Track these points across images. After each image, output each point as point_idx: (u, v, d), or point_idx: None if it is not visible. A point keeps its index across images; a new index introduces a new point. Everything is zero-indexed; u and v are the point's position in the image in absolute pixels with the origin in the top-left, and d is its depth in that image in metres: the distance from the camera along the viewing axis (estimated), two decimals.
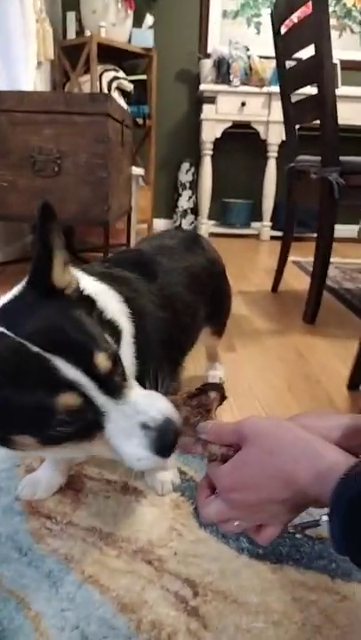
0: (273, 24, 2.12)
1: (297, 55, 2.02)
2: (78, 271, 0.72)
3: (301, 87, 2.05)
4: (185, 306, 1.01)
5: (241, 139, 4.14)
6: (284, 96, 2.22)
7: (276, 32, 2.12)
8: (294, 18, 2.01)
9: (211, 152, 3.99)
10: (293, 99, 2.16)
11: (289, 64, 2.11)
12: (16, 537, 0.82)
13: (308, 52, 1.82)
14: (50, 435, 0.55)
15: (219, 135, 3.95)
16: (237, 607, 0.71)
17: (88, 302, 0.67)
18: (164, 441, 0.56)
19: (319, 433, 0.55)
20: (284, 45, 2.09)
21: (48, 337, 0.55)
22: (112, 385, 0.57)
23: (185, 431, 0.60)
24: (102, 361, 0.57)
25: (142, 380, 0.71)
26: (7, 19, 2.46)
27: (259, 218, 4.19)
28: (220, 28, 4.12)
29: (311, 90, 1.86)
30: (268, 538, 0.58)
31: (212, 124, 3.93)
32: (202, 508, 0.61)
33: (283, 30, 2.07)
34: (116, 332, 0.72)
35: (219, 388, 0.65)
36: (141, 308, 0.82)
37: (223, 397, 0.65)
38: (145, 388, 0.69)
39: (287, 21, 2.04)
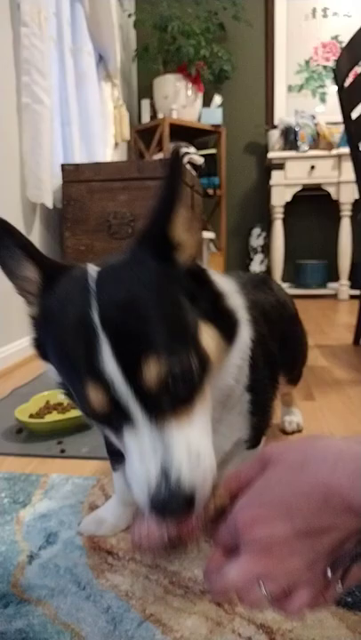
0: (336, 81, 2.17)
1: None
2: None
3: None
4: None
5: (312, 201, 4.17)
6: (354, 148, 2.21)
7: (340, 87, 2.16)
8: (358, 68, 2.05)
9: (282, 216, 4.03)
10: None
11: (355, 115, 2.12)
12: (75, 570, 0.76)
13: None
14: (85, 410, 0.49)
15: (289, 199, 3.99)
16: None
17: (200, 278, 0.55)
18: (166, 503, 0.44)
19: None
20: (348, 97, 2.12)
21: (114, 307, 0.47)
22: (157, 403, 0.46)
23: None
24: (153, 371, 0.45)
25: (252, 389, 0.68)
26: (87, 103, 2.73)
27: (335, 277, 4.09)
28: (286, 100, 4.30)
29: None
30: (299, 605, 0.42)
31: (282, 189, 4.00)
32: (214, 575, 0.44)
33: (346, 83, 2.11)
34: (233, 323, 0.58)
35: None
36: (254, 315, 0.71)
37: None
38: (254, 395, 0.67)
39: (351, 73, 2.07)
